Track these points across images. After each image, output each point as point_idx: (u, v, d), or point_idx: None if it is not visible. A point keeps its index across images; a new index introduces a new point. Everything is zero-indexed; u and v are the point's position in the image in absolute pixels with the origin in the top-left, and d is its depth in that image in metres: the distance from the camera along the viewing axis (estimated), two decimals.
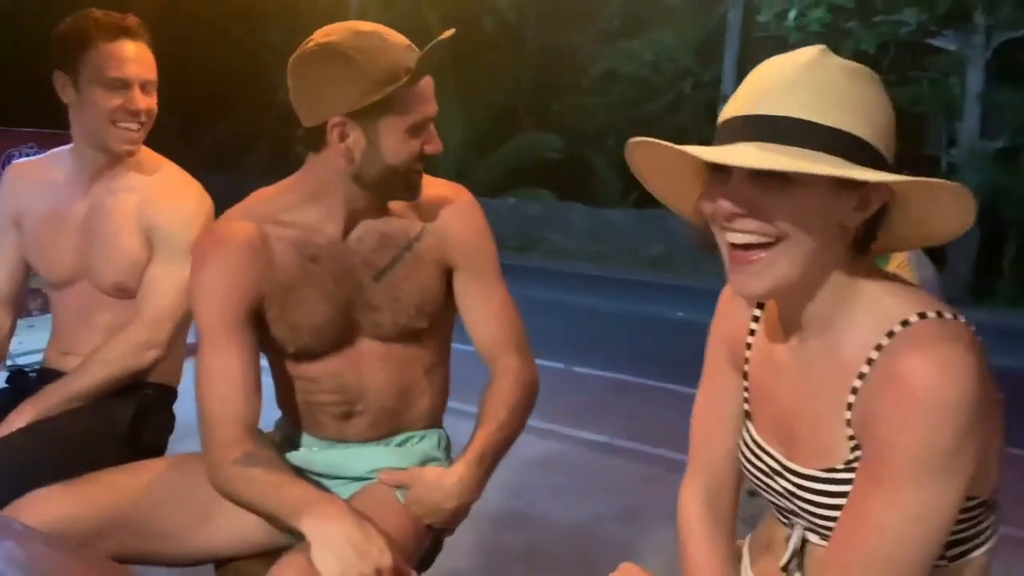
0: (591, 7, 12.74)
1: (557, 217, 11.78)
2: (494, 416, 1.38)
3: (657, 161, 0.96)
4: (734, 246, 0.90)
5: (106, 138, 1.69)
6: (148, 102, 1.70)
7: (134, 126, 1.69)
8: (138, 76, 1.68)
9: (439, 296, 1.39)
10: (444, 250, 1.39)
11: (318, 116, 1.26)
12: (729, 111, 0.90)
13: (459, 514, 1.35)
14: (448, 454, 1.48)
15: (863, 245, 0.92)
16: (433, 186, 1.39)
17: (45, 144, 1.78)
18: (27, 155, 1.93)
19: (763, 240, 0.88)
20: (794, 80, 0.86)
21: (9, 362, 1.88)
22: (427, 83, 1.29)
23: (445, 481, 1.32)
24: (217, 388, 1.26)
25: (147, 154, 1.79)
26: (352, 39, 1.24)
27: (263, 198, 1.37)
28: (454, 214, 1.40)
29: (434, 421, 1.49)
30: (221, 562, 1.40)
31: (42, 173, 1.80)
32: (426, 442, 1.45)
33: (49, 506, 1.30)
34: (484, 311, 1.42)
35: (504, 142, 12.94)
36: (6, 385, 1.79)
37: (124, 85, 1.66)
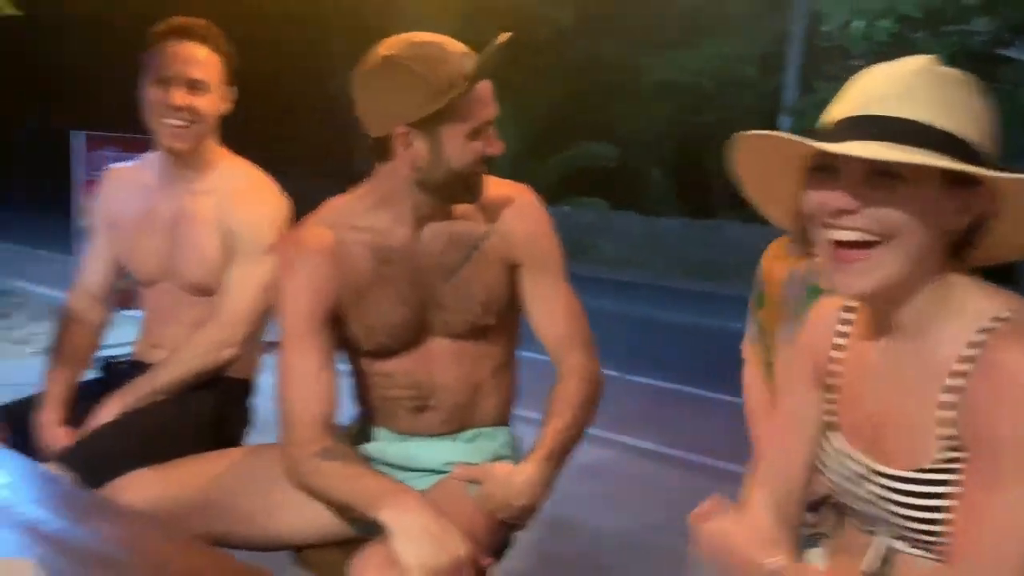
0: (649, 16, 12.68)
1: (610, 226, 11.77)
2: (561, 414, 1.42)
3: (757, 161, 0.98)
4: (838, 244, 0.90)
5: (157, 134, 1.77)
6: (190, 100, 1.74)
7: (177, 122, 1.74)
8: (182, 74, 1.73)
9: (505, 294, 1.45)
10: (509, 249, 1.44)
11: (383, 127, 1.32)
12: (837, 113, 0.92)
13: (528, 511, 1.40)
14: (516, 453, 1.52)
15: (961, 250, 0.93)
16: (497, 187, 1.45)
17: (130, 148, 1.89)
18: (113, 160, 2.05)
19: (868, 239, 0.88)
20: (908, 85, 0.89)
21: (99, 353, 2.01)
22: (485, 87, 1.34)
23: (515, 478, 1.37)
24: (297, 387, 1.33)
25: (226, 156, 1.86)
26: (411, 50, 1.30)
27: (337, 206, 1.44)
28: (518, 213, 1.46)
29: (502, 419, 1.54)
30: (299, 548, 1.46)
31: (134, 177, 1.90)
32: (495, 439, 1.51)
33: (141, 488, 1.39)
34: (549, 308, 1.47)
35: (559, 151, 12.96)
36: (102, 375, 1.90)
37: (167, 81, 1.73)
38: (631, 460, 3.69)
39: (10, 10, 3.46)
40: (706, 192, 11.41)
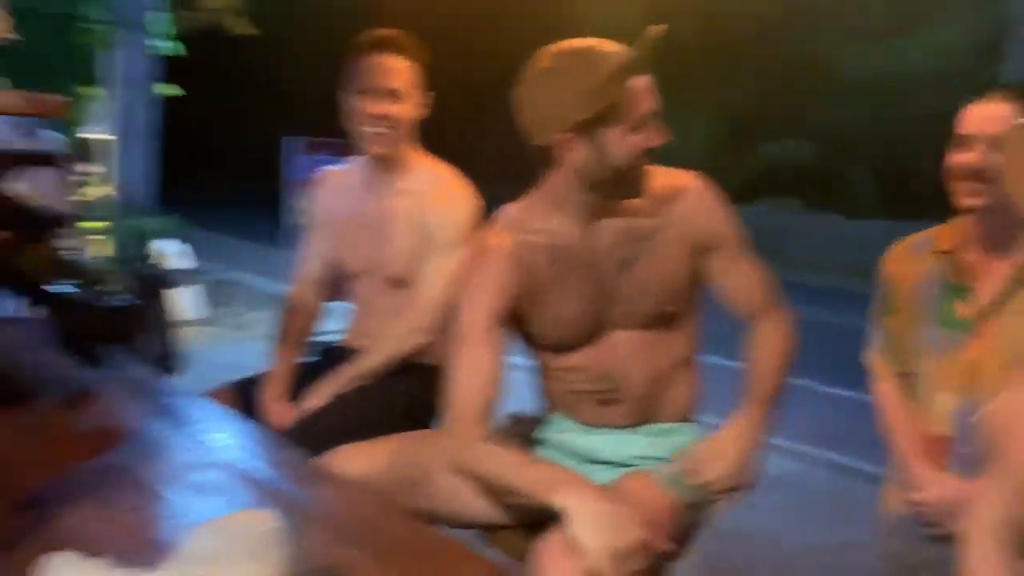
0: (851, 4, 12.00)
1: (806, 227, 11.26)
2: (764, 360, 1.50)
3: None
4: None
5: (362, 141, 1.93)
6: (389, 109, 1.88)
7: (379, 130, 1.89)
8: (381, 84, 1.87)
9: (685, 281, 1.48)
10: (690, 235, 1.47)
11: (545, 135, 1.38)
12: None
13: (744, 466, 1.44)
14: None
15: None
16: (666, 176, 1.48)
17: (339, 152, 2.07)
18: (323, 163, 2.24)
19: None
20: None
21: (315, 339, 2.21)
22: (643, 82, 1.36)
23: (724, 436, 1.44)
24: (467, 378, 1.40)
25: (423, 158, 2.00)
26: (563, 58, 1.36)
27: (513, 212, 1.51)
28: (693, 200, 1.48)
29: (687, 416, 1.56)
30: (487, 528, 1.54)
31: (343, 179, 2.09)
32: (681, 435, 1.53)
33: (351, 461, 1.53)
34: (739, 281, 1.52)
35: (753, 148, 12.58)
36: (318, 358, 2.09)
37: (367, 92, 1.88)
38: (821, 473, 3.55)
39: (249, 30, 3.87)
40: (912, 192, 10.68)
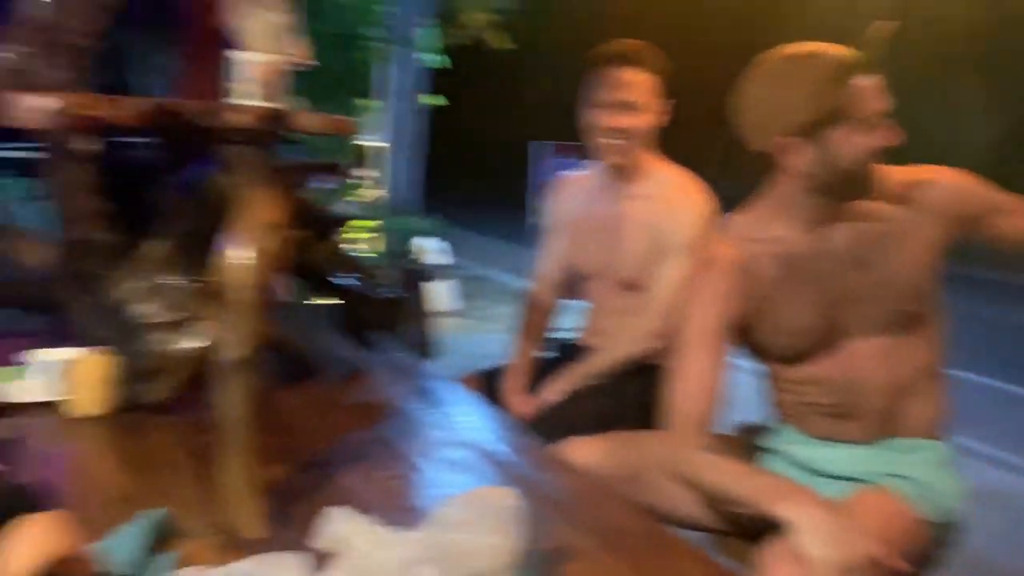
0: None
1: None
2: None
3: None
4: None
5: (596, 150, 2.00)
6: (625, 121, 1.93)
7: (616, 141, 1.95)
8: (618, 98, 1.93)
9: (927, 278, 1.41)
10: (939, 224, 1.40)
11: (765, 139, 1.36)
12: None
13: None
14: (949, 472, 1.45)
15: None
16: (905, 173, 1.42)
17: (583, 156, 2.16)
18: (568, 166, 2.35)
19: None
20: None
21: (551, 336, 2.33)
22: (872, 81, 1.31)
23: None
24: (689, 385, 1.41)
25: (659, 164, 2.04)
26: (784, 62, 1.33)
27: (739, 221, 1.50)
28: (938, 188, 1.41)
29: (933, 432, 1.48)
30: (710, 531, 1.55)
31: (580, 184, 2.18)
32: (925, 452, 1.45)
33: (584, 452, 1.61)
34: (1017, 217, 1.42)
35: None
36: (555, 354, 2.21)
37: (604, 105, 1.94)
38: None
39: (507, 43, 4.13)
40: None
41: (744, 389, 1.58)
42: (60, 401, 1.48)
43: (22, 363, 1.54)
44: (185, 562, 1.02)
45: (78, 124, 1.33)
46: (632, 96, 1.94)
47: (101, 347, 1.49)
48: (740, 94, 1.40)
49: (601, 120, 1.97)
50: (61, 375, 1.48)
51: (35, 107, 1.32)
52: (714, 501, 1.42)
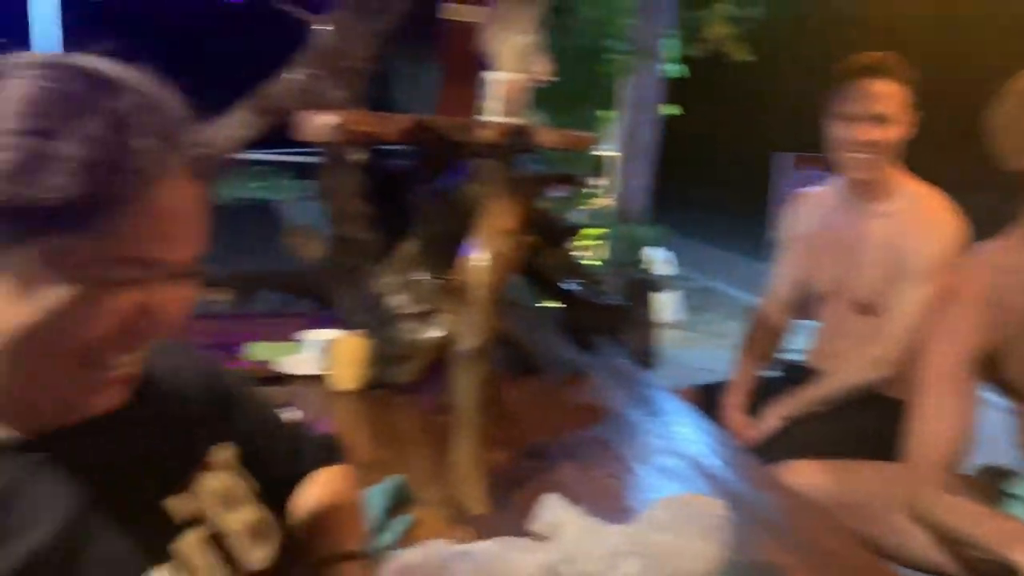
0: None
1: None
2: None
3: None
4: None
5: (842, 165, 1.91)
6: (874, 134, 1.84)
7: (861, 155, 1.86)
8: (867, 111, 1.83)
9: None
10: None
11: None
12: None
13: None
14: None
15: None
16: None
17: (830, 168, 2.08)
18: (814, 179, 2.27)
19: None
20: None
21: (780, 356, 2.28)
22: None
23: None
24: (933, 423, 1.34)
25: (906, 181, 1.92)
26: None
27: (988, 249, 1.40)
28: None
29: None
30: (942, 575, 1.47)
31: (818, 200, 2.10)
32: None
33: (805, 474, 1.59)
34: None
35: None
36: (781, 374, 2.16)
37: (852, 118, 1.85)
38: None
39: (748, 55, 4.07)
40: None
41: (990, 427, 1.47)
42: (324, 375, 1.70)
43: (297, 340, 1.79)
44: (416, 527, 1.16)
45: (352, 137, 1.53)
46: (882, 108, 1.86)
47: (360, 331, 1.69)
48: (997, 111, 1.33)
49: (850, 133, 1.89)
50: (326, 353, 1.70)
51: (320, 123, 1.54)
52: (949, 542, 1.35)
